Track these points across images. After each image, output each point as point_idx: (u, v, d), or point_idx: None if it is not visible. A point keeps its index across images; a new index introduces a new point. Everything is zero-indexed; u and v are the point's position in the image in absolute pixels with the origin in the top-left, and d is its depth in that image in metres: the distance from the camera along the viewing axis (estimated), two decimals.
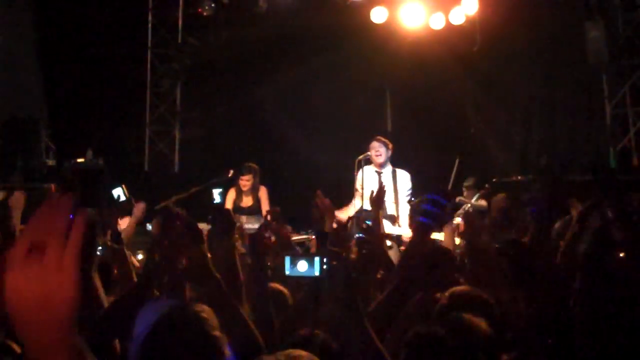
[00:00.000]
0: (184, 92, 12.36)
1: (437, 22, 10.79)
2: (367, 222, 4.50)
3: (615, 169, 10.69)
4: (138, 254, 5.87)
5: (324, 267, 2.60)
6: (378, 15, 10.81)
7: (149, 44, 12.17)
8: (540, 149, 11.13)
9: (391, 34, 10.87)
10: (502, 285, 3.26)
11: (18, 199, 5.47)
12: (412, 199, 8.04)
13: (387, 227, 7.44)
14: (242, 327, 2.82)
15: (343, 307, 2.54)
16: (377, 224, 4.75)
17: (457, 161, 8.86)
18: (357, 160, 8.12)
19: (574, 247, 3.68)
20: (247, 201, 8.95)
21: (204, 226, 7.32)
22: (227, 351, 2.36)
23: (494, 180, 9.61)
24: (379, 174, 8.20)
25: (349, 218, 5.00)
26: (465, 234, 4.06)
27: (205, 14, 11.34)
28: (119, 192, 5.27)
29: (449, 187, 8.49)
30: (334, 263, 2.61)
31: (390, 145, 8.26)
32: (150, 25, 12.16)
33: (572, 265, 3.41)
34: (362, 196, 8.01)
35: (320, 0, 10.99)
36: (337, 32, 11.02)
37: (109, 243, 4.26)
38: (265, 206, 8.93)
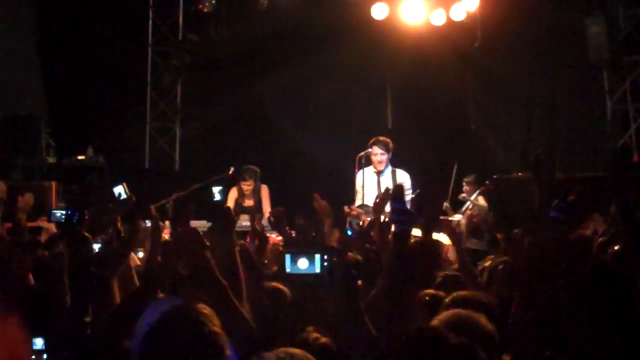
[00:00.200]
0: (185, 89, 12.35)
1: (438, 19, 10.78)
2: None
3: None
4: (138, 252, 5.87)
5: (325, 264, 2.60)
6: (379, 11, 10.80)
7: (150, 41, 12.16)
8: (537, 145, 11.12)
9: (392, 31, 10.86)
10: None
11: (27, 201, 5.49)
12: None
13: None
14: (242, 325, 2.82)
15: (343, 303, 2.54)
16: (371, 228, 4.74)
17: (455, 166, 8.86)
18: (358, 157, 8.13)
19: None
20: (249, 202, 9.00)
21: (204, 223, 7.34)
22: (228, 350, 2.37)
23: (494, 176, 9.61)
24: (379, 175, 8.18)
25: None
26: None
27: (205, 10, 11.33)
28: (120, 190, 5.28)
29: (449, 191, 8.48)
30: (335, 260, 2.61)
31: (392, 146, 8.22)
32: (150, 22, 12.15)
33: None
34: (362, 198, 8.03)
35: None
36: (338, 28, 11.01)
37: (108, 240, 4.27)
38: (266, 205, 8.95)
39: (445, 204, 9.16)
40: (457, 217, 9.19)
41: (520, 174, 9.85)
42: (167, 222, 7.56)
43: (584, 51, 10.72)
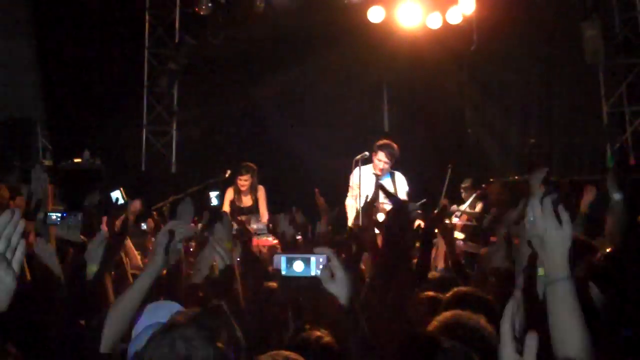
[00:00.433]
0: (182, 92, 12.35)
1: (434, 22, 10.80)
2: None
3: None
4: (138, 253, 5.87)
5: (321, 266, 2.60)
6: (375, 14, 10.82)
7: (146, 44, 12.16)
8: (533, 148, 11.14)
9: (388, 34, 10.88)
10: None
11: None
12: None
13: None
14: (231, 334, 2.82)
15: (340, 306, 2.54)
16: (365, 230, 4.75)
17: (449, 170, 8.85)
18: (354, 160, 8.11)
19: None
20: (245, 201, 8.98)
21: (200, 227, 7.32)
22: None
23: (491, 180, 9.62)
24: (378, 177, 8.16)
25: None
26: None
27: (202, 13, 11.32)
28: (117, 195, 5.31)
29: (442, 196, 8.46)
30: (331, 262, 2.60)
31: (398, 155, 8.17)
32: (147, 24, 12.14)
33: None
34: (358, 196, 8.01)
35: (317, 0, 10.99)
36: (335, 31, 11.02)
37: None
38: (263, 206, 8.94)
39: (452, 207, 9.10)
40: (454, 219, 9.19)
41: (517, 177, 9.87)
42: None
43: (580, 54, 10.74)
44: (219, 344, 2.25)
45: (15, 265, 1.97)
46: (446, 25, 10.83)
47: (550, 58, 11.39)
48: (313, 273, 2.60)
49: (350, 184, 8.30)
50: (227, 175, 8.97)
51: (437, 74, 11.32)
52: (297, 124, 11.68)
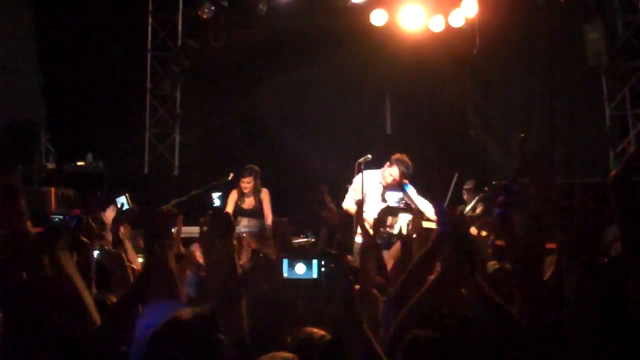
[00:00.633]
0: (184, 95, 12.36)
1: (437, 25, 10.79)
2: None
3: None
4: (139, 257, 5.88)
5: (322, 269, 2.61)
6: (378, 17, 10.81)
7: (149, 47, 12.18)
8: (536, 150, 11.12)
9: (391, 37, 10.88)
10: None
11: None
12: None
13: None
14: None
15: (341, 309, 2.55)
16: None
17: (455, 175, 8.83)
18: (357, 163, 8.09)
19: None
20: (249, 203, 8.99)
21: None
22: (230, 353, 2.38)
23: (493, 182, 9.59)
24: (385, 188, 8.08)
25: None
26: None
27: (204, 16, 11.33)
28: (122, 201, 5.32)
29: (446, 200, 8.43)
30: (332, 265, 2.61)
31: (412, 171, 8.05)
32: (150, 28, 12.16)
33: None
34: (362, 201, 7.97)
35: (320, 2, 10.98)
36: (337, 34, 11.03)
37: (107, 247, 4.28)
38: (267, 208, 8.95)
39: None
40: None
41: (519, 179, 9.84)
42: None
43: (582, 57, 10.74)
44: (220, 336, 2.27)
45: None
46: (449, 28, 10.82)
47: (553, 61, 11.39)
48: (315, 276, 2.60)
49: (353, 187, 8.24)
50: (230, 178, 8.98)
51: (440, 76, 11.32)
52: (299, 127, 11.69)
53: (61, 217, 3.70)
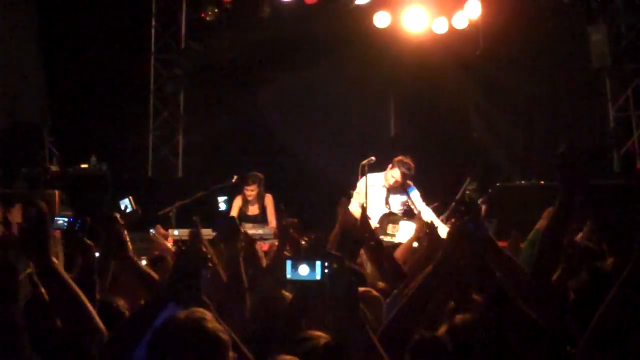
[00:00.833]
0: (188, 97, 12.37)
1: (440, 27, 10.80)
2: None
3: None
4: (141, 260, 5.88)
5: (326, 271, 2.61)
6: (381, 19, 10.82)
7: (152, 49, 12.19)
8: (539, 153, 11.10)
9: (394, 39, 10.89)
10: None
11: (15, 216, 5.51)
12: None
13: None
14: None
15: (344, 311, 2.55)
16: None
17: (467, 180, 8.83)
18: (361, 165, 8.07)
19: None
20: (253, 210, 8.98)
21: (209, 232, 7.35)
22: (232, 353, 2.37)
23: (497, 184, 9.59)
24: (389, 191, 8.08)
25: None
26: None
27: (208, 18, 11.35)
28: (126, 203, 5.33)
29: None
30: (336, 267, 2.61)
31: (414, 173, 8.04)
32: (153, 30, 12.18)
33: None
34: (365, 204, 7.96)
35: (323, 5, 10.98)
36: (340, 36, 11.04)
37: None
38: (271, 214, 8.92)
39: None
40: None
41: (522, 182, 9.85)
42: (170, 231, 7.60)
43: (586, 59, 10.73)
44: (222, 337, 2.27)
45: None
46: (452, 30, 10.83)
47: (557, 62, 11.37)
48: (318, 277, 2.60)
49: (357, 191, 8.22)
50: (233, 181, 8.97)
51: (443, 78, 11.31)
52: (303, 128, 11.68)
53: (65, 219, 3.70)
